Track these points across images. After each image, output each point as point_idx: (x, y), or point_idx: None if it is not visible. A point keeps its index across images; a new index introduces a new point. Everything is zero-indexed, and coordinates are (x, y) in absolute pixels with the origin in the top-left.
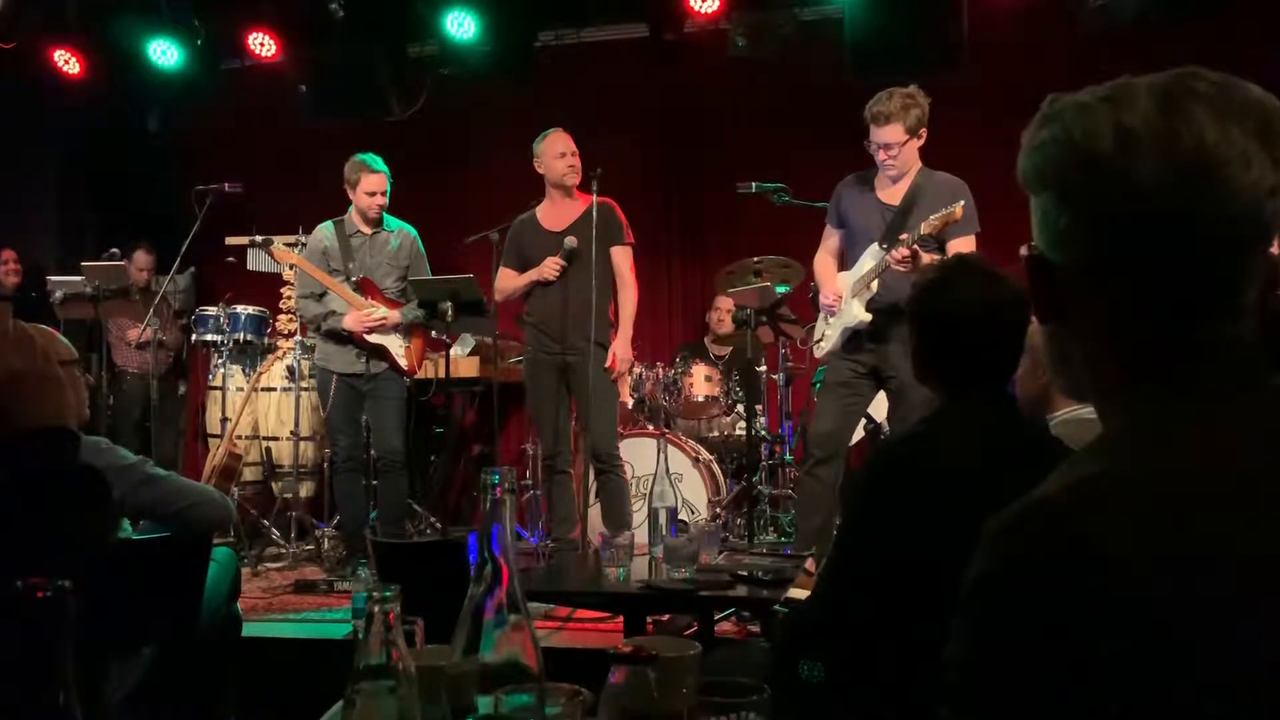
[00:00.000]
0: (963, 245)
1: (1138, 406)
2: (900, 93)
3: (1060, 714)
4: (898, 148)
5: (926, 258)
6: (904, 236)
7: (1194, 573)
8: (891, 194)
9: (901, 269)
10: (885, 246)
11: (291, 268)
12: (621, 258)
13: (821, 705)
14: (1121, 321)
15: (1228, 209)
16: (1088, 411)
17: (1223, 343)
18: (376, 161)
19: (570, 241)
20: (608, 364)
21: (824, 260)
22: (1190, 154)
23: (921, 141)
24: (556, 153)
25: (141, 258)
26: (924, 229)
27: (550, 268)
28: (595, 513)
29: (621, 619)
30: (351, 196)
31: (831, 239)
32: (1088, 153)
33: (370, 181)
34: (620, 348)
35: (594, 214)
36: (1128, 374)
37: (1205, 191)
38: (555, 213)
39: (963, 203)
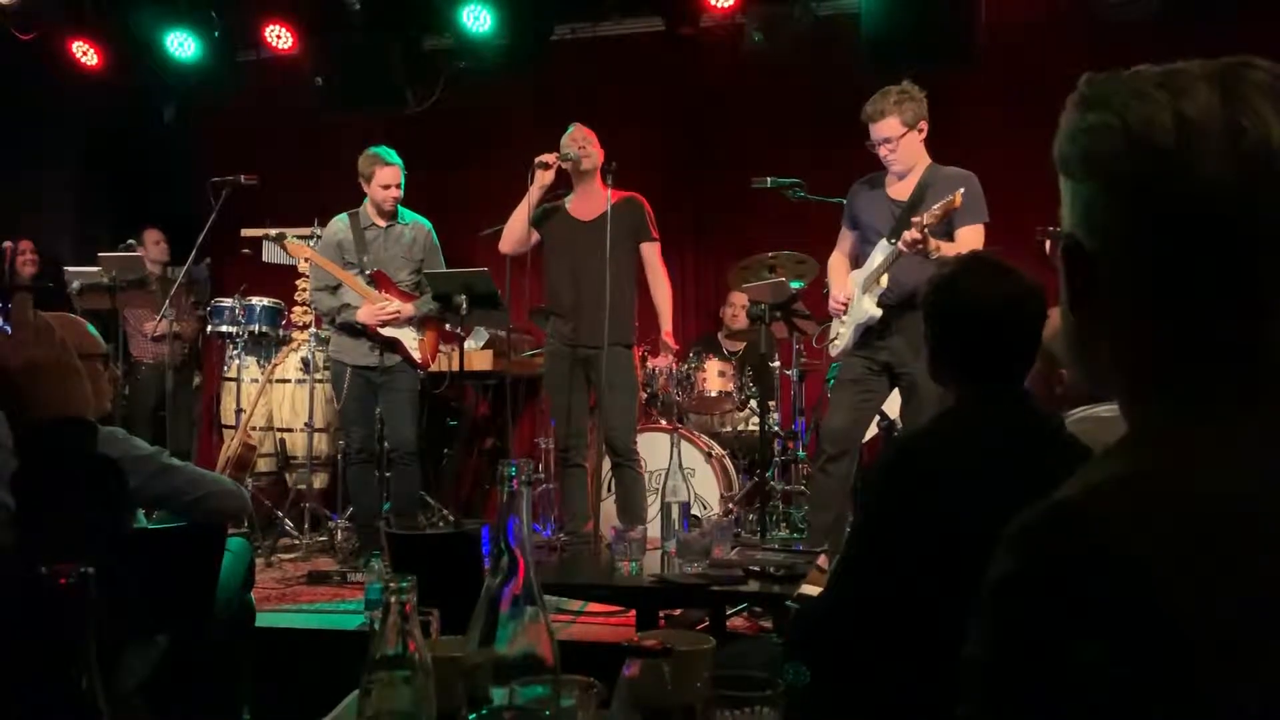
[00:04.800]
0: (971, 233)
1: (1168, 405)
2: (894, 89)
3: (1079, 718)
4: (896, 141)
5: (934, 243)
6: (915, 220)
7: (1219, 579)
8: (900, 190)
9: (912, 251)
10: (893, 241)
11: (305, 260)
12: (651, 253)
13: (832, 701)
14: (1160, 317)
15: None
16: (1104, 409)
17: (1264, 346)
18: (390, 154)
19: (569, 148)
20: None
21: (837, 261)
22: (1254, 150)
23: (922, 135)
24: (572, 139)
25: (152, 234)
26: (926, 219)
27: (547, 156)
28: (608, 506)
29: (634, 613)
30: (366, 190)
31: (846, 240)
32: (1146, 143)
33: (384, 175)
34: (666, 337)
35: (610, 209)
36: (1161, 371)
37: (1267, 189)
38: (583, 204)
39: (962, 190)
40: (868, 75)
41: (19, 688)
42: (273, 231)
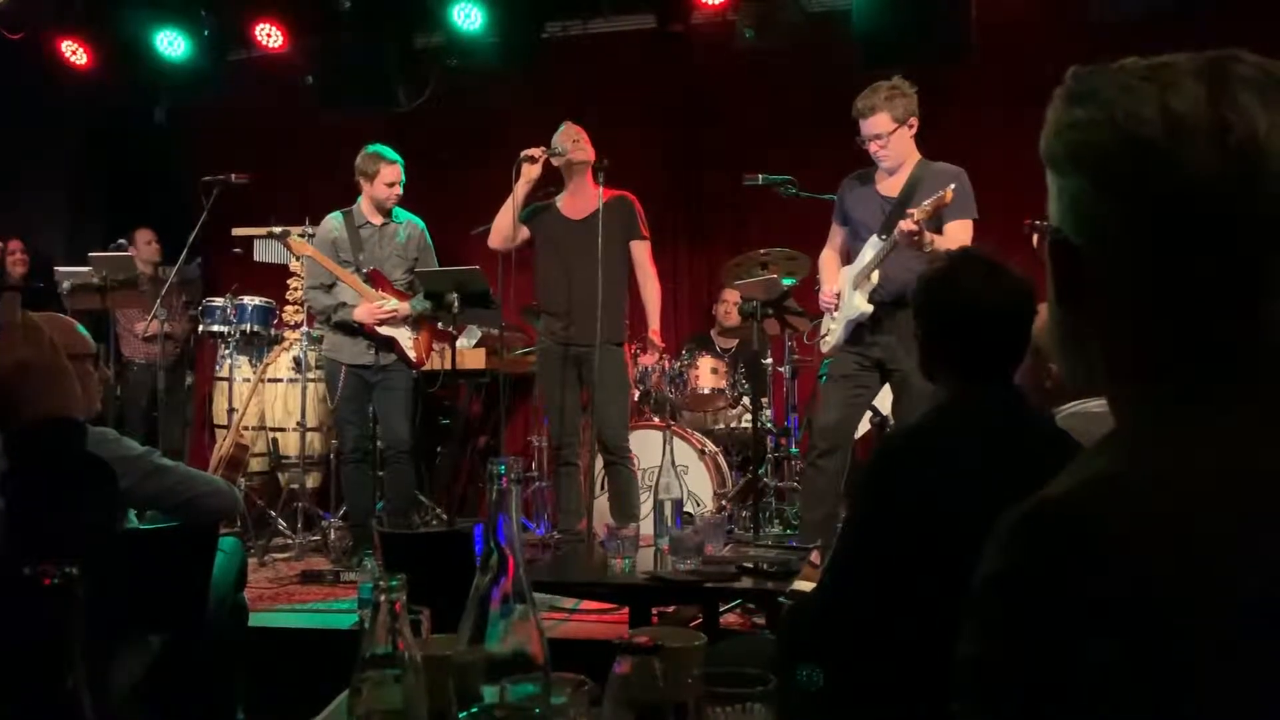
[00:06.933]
0: (959, 228)
1: (1156, 402)
2: (884, 85)
3: (1070, 716)
4: (887, 137)
5: (929, 236)
6: (911, 211)
7: (1208, 576)
8: (890, 186)
9: (907, 242)
10: (884, 238)
11: (300, 259)
12: (641, 251)
13: (825, 698)
14: (1148, 313)
15: (1276, 206)
16: (1095, 405)
17: (1252, 344)
18: (391, 152)
19: (560, 144)
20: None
21: (828, 257)
22: (1241, 145)
23: (913, 131)
24: (564, 137)
25: (144, 233)
26: (917, 215)
27: (533, 150)
28: (601, 504)
29: (627, 610)
30: (367, 188)
31: (836, 237)
32: (1133, 137)
33: (389, 172)
34: (653, 335)
35: (601, 207)
36: (1149, 367)
37: (1256, 186)
38: (575, 203)
39: (953, 186)
40: (859, 71)
41: (4, 688)
42: (277, 229)
